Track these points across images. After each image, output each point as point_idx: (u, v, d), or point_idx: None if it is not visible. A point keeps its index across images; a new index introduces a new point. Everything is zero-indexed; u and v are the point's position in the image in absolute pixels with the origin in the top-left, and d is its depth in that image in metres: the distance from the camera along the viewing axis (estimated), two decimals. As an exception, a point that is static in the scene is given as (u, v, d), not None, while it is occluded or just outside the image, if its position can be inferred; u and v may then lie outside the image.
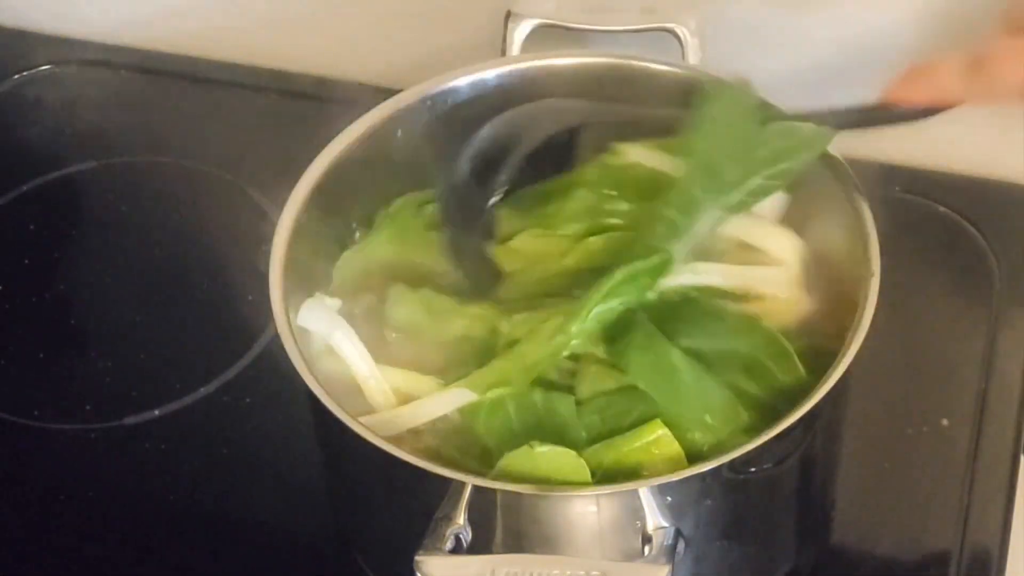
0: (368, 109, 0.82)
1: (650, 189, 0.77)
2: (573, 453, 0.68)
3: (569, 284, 0.76)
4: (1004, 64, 0.71)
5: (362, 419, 0.71)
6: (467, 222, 0.79)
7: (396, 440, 0.70)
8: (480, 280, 0.78)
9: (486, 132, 0.80)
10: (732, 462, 0.67)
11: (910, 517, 0.82)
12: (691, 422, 0.70)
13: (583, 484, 0.68)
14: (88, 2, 1.11)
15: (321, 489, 0.83)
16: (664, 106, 0.83)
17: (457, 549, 0.66)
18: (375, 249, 0.81)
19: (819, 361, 0.71)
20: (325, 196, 0.79)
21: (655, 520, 0.67)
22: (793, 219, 0.80)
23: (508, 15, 0.87)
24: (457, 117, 0.83)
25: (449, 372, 0.74)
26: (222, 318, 0.93)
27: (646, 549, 0.67)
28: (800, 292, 0.77)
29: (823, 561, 0.81)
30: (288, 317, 0.73)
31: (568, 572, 0.64)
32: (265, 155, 1.01)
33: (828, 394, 0.68)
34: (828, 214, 0.77)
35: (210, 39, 1.09)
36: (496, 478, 0.69)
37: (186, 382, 0.89)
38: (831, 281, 0.78)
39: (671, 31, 0.85)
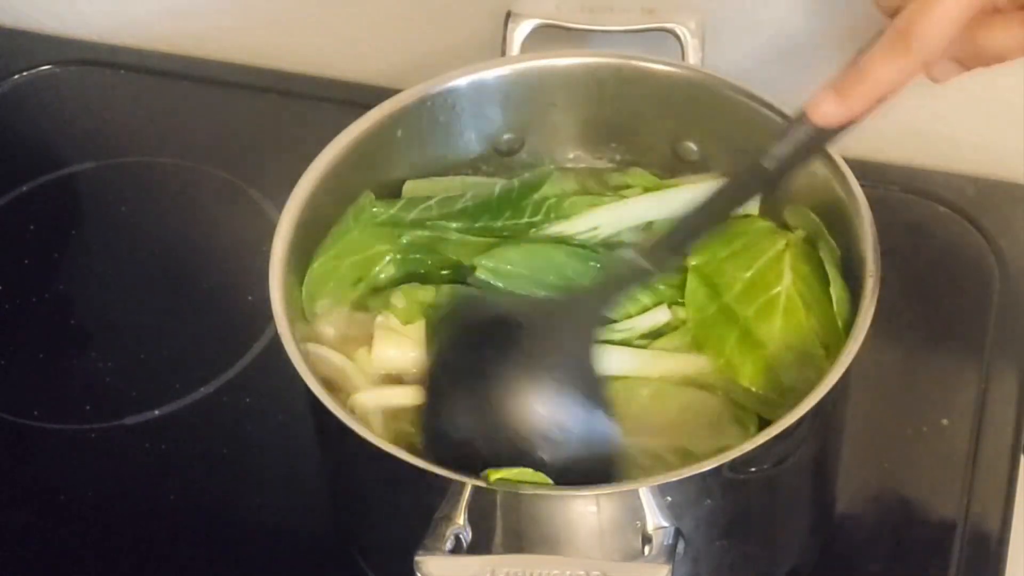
0: (368, 109, 0.82)
1: None
2: (530, 471, 0.67)
3: None
4: (923, 24, 0.65)
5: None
6: None
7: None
8: None
9: None
10: (732, 462, 0.67)
11: (910, 517, 0.82)
12: None
13: (582, 484, 0.68)
14: (88, 2, 1.11)
15: (321, 489, 0.83)
16: (664, 106, 0.83)
17: (457, 549, 0.66)
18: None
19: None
20: (325, 196, 0.79)
21: (655, 520, 0.67)
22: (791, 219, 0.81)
23: (508, 15, 0.86)
24: (457, 117, 0.84)
25: None
26: (222, 318, 0.93)
27: (646, 549, 0.67)
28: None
29: (823, 561, 0.81)
30: (288, 317, 0.73)
31: (568, 572, 0.64)
32: (265, 155, 1.01)
33: (828, 394, 0.68)
34: (827, 214, 0.77)
35: (210, 39, 1.09)
36: None
37: (186, 382, 0.89)
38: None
39: (671, 31, 0.85)
